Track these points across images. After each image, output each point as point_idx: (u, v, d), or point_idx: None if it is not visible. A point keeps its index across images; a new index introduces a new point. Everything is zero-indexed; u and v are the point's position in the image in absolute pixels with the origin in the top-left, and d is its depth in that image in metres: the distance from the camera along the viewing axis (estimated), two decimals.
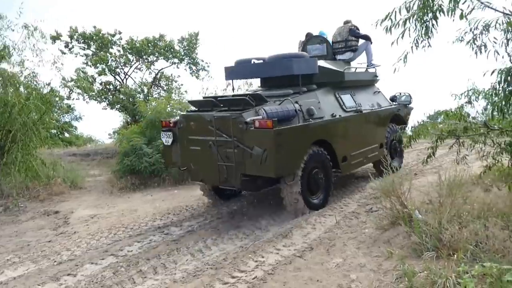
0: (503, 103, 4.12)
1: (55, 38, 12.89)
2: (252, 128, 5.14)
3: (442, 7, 3.91)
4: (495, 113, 4.06)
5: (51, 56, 8.76)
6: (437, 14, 3.95)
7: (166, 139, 6.17)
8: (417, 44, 4.14)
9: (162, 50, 13.49)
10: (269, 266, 3.99)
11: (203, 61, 14.23)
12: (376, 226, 4.56)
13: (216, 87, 11.78)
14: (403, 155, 8.51)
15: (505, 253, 3.25)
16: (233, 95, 6.43)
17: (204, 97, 6.87)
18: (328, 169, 6.05)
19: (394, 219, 4.42)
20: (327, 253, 4.14)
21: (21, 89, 8.33)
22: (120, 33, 13.39)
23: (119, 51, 13.50)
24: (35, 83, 8.24)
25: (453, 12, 3.91)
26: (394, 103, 8.05)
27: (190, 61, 14.01)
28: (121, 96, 13.11)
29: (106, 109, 13.39)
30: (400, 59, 4.23)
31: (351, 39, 7.41)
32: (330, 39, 7.65)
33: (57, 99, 8.70)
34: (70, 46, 13.14)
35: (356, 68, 7.40)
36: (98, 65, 13.04)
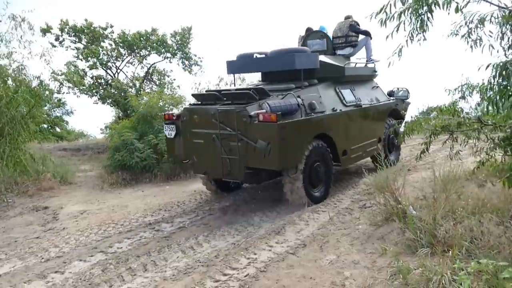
0: (498, 97, 4.09)
1: (45, 31, 12.65)
2: (256, 121, 5.22)
3: (438, 0, 3.85)
4: (490, 107, 3.99)
5: (40, 49, 8.53)
6: (432, 7, 3.88)
7: (169, 132, 6.25)
8: (412, 38, 4.07)
9: (154, 44, 13.30)
10: (261, 263, 3.92)
11: (195, 55, 14.08)
12: (370, 222, 4.52)
13: (208, 82, 11.58)
14: (400, 149, 8.62)
15: (501, 249, 3.21)
16: (236, 89, 6.50)
17: (206, 91, 6.97)
18: (329, 162, 6.16)
19: (388, 215, 4.37)
20: (321, 250, 4.08)
21: (9, 82, 8.15)
22: (111, 26, 13.18)
23: (110, 45, 13.30)
24: (23, 76, 8.05)
25: (449, 5, 3.84)
26: (391, 98, 8.14)
27: (182, 56, 13.84)
28: (113, 91, 12.93)
29: (97, 103, 13.20)
30: (395, 53, 4.17)
31: (351, 35, 7.48)
32: (330, 34, 7.68)
33: (46, 92, 8.52)
34: (61, 39, 12.91)
35: (356, 63, 7.47)
36: (89, 58, 12.83)
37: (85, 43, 13.01)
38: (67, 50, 13.03)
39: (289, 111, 5.40)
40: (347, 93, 6.89)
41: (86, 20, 12.81)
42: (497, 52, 4.15)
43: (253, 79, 11.28)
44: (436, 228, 3.59)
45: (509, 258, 2.98)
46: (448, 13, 3.99)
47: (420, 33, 3.96)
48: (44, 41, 12.52)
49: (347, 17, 7.63)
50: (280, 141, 5.13)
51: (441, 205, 3.89)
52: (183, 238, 5.02)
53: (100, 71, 13.47)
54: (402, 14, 3.97)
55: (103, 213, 6.60)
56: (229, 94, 5.85)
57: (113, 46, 13.22)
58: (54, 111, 18.73)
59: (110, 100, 12.96)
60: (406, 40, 4.05)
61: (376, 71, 8.03)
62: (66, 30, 12.77)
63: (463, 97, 5.31)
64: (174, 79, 14.44)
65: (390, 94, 8.23)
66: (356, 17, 7.63)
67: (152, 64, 14.18)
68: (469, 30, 4.06)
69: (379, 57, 7.77)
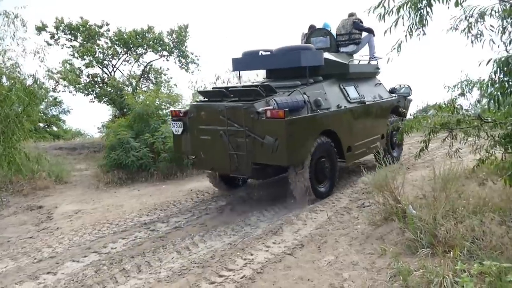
0: (499, 94, 4.00)
1: (41, 29, 12.52)
2: (264, 118, 5.29)
3: None
4: (491, 104, 3.90)
5: (33, 46, 8.36)
6: (432, 1, 3.80)
7: (176, 128, 6.29)
8: (411, 33, 3.98)
9: (151, 42, 13.18)
10: (258, 264, 3.83)
11: (192, 54, 13.96)
12: (369, 221, 4.43)
13: (203, 80, 11.46)
14: (403, 145, 8.71)
15: (503, 249, 3.13)
16: (243, 86, 6.51)
17: (213, 88, 7.07)
18: (334, 158, 6.23)
19: (387, 215, 4.29)
20: (319, 251, 3.99)
21: (4, 80, 8.03)
22: (107, 24, 13.04)
23: (106, 43, 13.17)
24: (17, 73, 7.93)
25: None
26: (393, 95, 8.19)
27: (179, 54, 13.72)
28: (109, 89, 12.81)
29: (93, 101, 13.07)
30: (394, 49, 4.08)
31: (355, 32, 7.54)
32: (333, 30, 7.75)
33: (41, 91, 8.38)
34: (56, 37, 12.78)
35: (360, 60, 7.52)
36: (85, 57, 12.71)
37: (80, 41, 12.89)
38: (62, 48, 12.91)
39: (296, 108, 5.46)
40: (351, 90, 6.96)
41: (81, 18, 12.69)
42: (498, 47, 4.07)
43: (250, 77, 11.24)
44: (436, 228, 3.50)
45: None
46: (448, 7, 3.91)
47: (419, 28, 3.87)
48: (39, 39, 12.40)
49: (351, 15, 7.67)
50: (288, 137, 5.19)
51: (442, 204, 3.80)
52: (179, 238, 4.92)
53: (96, 70, 13.35)
54: (401, 9, 3.88)
55: (98, 212, 6.50)
56: (236, 91, 5.93)
57: (109, 44, 13.10)
58: (50, 109, 18.63)
59: (107, 98, 12.84)
60: (405, 35, 3.97)
61: (379, 68, 8.07)
62: (61, 28, 12.64)
63: (462, 94, 5.23)
64: (171, 78, 14.34)
65: (392, 91, 8.26)
66: (356, 14, 7.66)
67: (149, 63, 14.06)
68: (469, 25, 3.97)
69: (380, 53, 7.82)
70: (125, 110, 12.04)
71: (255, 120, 5.35)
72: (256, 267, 3.77)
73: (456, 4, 3.81)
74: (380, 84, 8.10)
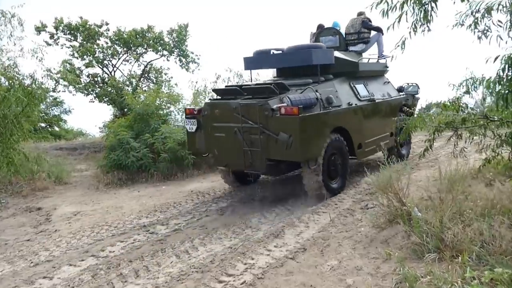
0: (508, 92, 3.87)
1: (40, 29, 12.44)
2: (278, 114, 5.36)
3: None
4: (500, 102, 3.77)
5: (31, 46, 8.27)
6: None
7: (190, 126, 6.40)
8: (415, 29, 3.86)
9: (151, 41, 13.09)
10: (259, 269, 3.71)
11: (192, 53, 13.85)
12: (373, 224, 4.30)
13: (205, 79, 11.34)
14: (411, 143, 8.77)
15: None
16: (256, 84, 6.67)
17: (226, 86, 7.18)
18: (345, 155, 6.32)
19: (391, 217, 4.15)
20: (321, 255, 3.87)
21: (2, 80, 7.93)
22: (107, 24, 12.96)
23: (106, 42, 13.09)
24: (15, 73, 7.83)
25: None
26: (401, 93, 8.25)
27: (179, 53, 13.62)
28: (109, 89, 12.73)
29: (93, 101, 13.00)
30: (398, 46, 3.95)
31: (364, 31, 7.61)
32: (342, 30, 7.85)
33: (39, 91, 8.28)
34: (56, 37, 12.69)
35: (369, 59, 7.62)
36: (85, 57, 12.63)
37: (80, 41, 12.80)
38: (62, 48, 12.83)
39: (309, 105, 5.53)
40: (361, 88, 7.02)
41: (81, 17, 12.61)
42: (506, 43, 3.93)
43: (246, 76, 11.14)
44: (443, 232, 3.37)
45: None
46: (454, 2, 3.78)
47: (424, 24, 3.74)
48: (38, 39, 12.30)
49: (360, 14, 7.72)
50: (302, 133, 5.27)
51: (448, 206, 3.67)
52: (178, 241, 4.81)
53: (97, 69, 13.28)
54: (405, 4, 3.75)
55: (97, 214, 6.40)
56: (249, 89, 5.99)
57: (109, 44, 13.01)
58: (52, 109, 18.55)
59: (107, 98, 12.76)
60: (409, 32, 3.84)
61: (387, 67, 8.15)
62: (61, 28, 12.56)
63: (467, 92, 5.10)
64: (171, 77, 14.26)
65: (400, 89, 8.31)
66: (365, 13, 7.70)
67: (149, 62, 13.98)
68: (476, 20, 3.83)
69: (387, 51, 7.83)
70: (125, 110, 11.95)
71: (269, 117, 5.43)
72: (257, 272, 3.65)
73: None
74: (389, 82, 8.16)
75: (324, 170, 5.80)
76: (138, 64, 13.84)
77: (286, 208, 5.88)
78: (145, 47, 13.19)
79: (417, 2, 3.72)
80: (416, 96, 8.59)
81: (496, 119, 4.66)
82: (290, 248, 4.17)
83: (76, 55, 12.68)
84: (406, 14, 3.71)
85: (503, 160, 5.02)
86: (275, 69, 7.62)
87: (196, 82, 11.20)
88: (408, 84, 8.40)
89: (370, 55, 7.81)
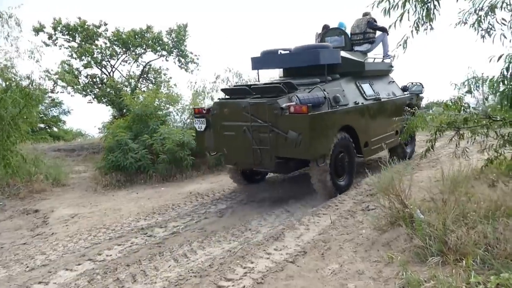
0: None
1: (38, 29, 12.38)
2: (287, 113, 5.44)
3: None
4: (504, 102, 3.69)
5: (28, 46, 8.19)
6: None
7: (199, 125, 6.47)
8: (417, 28, 3.79)
9: (149, 42, 13.02)
10: (258, 273, 3.62)
11: (192, 53, 13.78)
12: (374, 226, 4.21)
13: (204, 80, 11.25)
14: (415, 141, 8.80)
15: None
16: (264, 83, 6.74)
17: (235, 85, 7.46)
18: (352, 153, 6.42)
19: (393, 219, 4.07)
20: (322, 258, 3.79)
21: None
22: (105, 24, 12.90)
23: (105, 43, 13.01)
24: (12, 74, 7.76)
25: None
26: (405, 92, 8.34)
27: (178, 54, 13.55)
28: (108, 90, 12.65)
29: (91, 102, 12.93)
30: (400, 45, 3.89)
31: (369, 31, 7.72)
32: (348, 30, 7.95)
33: (37, 92, 8.20)
34: (54, 38, 12.63)
35: (375, 58, 7.72)
36: (83, 57, 12.56)
37: (79, 42, 12.72)
38: (60, 49, 12.76)
39: (317, 104, 5.62)
40: (366, 87, 7.12)
41: (79, 18, 12.54)
42: (510, 42, 3.86)
43: (250, 76, 11.06)
44: (446, 234, 3.29)
45: None
46: (457, 0, 3.71)
47: (426, 23, 3.68)
48: (37, 40, 12.24)
49: (365, 14, 7.82)
50: (311, 131, 5.35)
51: (451, 208, 3.59)
52: (176, 245, 4.73)
53: (95, 70, 13.20)
54: (407, 2, 3.69)
55: (95, 216, 6.32)
56: (258, 88, 6.06)
57: (108, 44, 12.94)
58: (51, 110, 18.47)
59: (106, 99, 12.69)
60: (411, 31, 3.78)
61: (392, 66, 8.25)
62: (59, 28, 12.49)
63: (469, 92, 5.04)
64: (171, 78, 14.19)
65: (404, 89, 8.40)
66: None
67: (148, 62, 13.91)
68: (479, 18, 3.77)
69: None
70: (124, 110, 11.87)
71: (278, 116, 5.50)
72: (257, 276, 3.57)
73: None
74: (393, 82, 8.26)
75: (331, 168, 5.87)
76: (137, 65, 13.80)
77: (285, 210, 5.80)
78: (144, 47, 13.13)
79: (419, 0, 3.65)
80: (420, 95, 8.67)
81: (498, 118, 4.58)
82: (290, 251, 4.10)
83: (74, 55, 12.61)
84: (408, 13, 3.66)
85: (506, 160, 4.95)
86: (281, 69, 7.69)
87: (195, 83, 11.10)
88: (412, 83, 8.49)
89: (375, 55, 7.90)
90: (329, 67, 6.47)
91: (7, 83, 7.86)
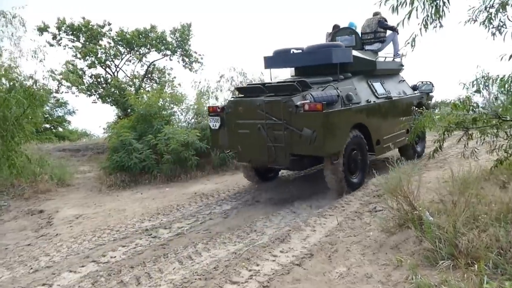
0: None
1: (42, 29, 12.37)
2: (302, 111, 5.51)
3: None
4: None
5: (33, 46, 8.17)
6: None
7: (214, 123, 6.57)
8: (426, 26, 3.71)
9: (153, 41, 12.98)
10: (264, 276, 3.56)
11: (196, 53, 13.73)
12: (382, 228, 4.14)
13: (207, 80, 11.18)
14: (425, 139, 8.81)
15: None
16: (278, 82, 6.88)
17: (248, 84, 7.66)
18: (365, 151, 6.48)
19: (401, 221, 4.00)
20: (329, 261, 3.72)
21: (3, 80, 7.84)
22: (109, 24, 12.89)
23: (109, 43, 12.99)
24: (16, 75, 7.73)
25: None
26: (416, 91, 8.36)
27: (183, 53, 13.51)
28: (112, 89, 12.63)
29: (96, 102, 12.91)
30: (408, 43, 3.81)
31: (380, 31, 7.79)
32: (358, 30, 8.02)
33: (41, 92, 8.17)
34: (58, 38, 12.62)
35: (386, 57, 7.78)
36: (87, 57, 12.54)
37: (83, 42, 12.71)
38: (64, 49, 12.75)
39: (330, 102, 5.69)
40: (378, 86, 7.18)
41: (83, 18, 12.52)
42: None
43: (255, 76, 11.02)
44: (457, 237, 3.21)
45: None
46: None
47: (435, 20, 3.60)
48: (41, 40, 12.24)
49: (376, 14, 7.89)
50: (325, 128, 5.43)
51: (461, 210, 3.51)
52: (181, 246, 4.67)
53: (99, 70, 13.19)
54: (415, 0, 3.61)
55: (99, 217, 6.29)
56: (272, 87, 6.15)
57: (112, 44, 12.91)
58: (56, 111, 18.50)
59: (110, 99, 12.66)
60: (420, 28, 3.70)
61: (402, 65, 8.29)
62: (63, 28, 12.48)
63: (478, 91, 4.96)
64: (175, 77, 14.14)
65: (414, 88, 8.42)
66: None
67: (152, 62, 13.87)
68: (489, 16, 3.69)
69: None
70: (128, 110, 11.85)
71: (293, 114, 5.56)
72: (263, 279, 3.51)
73: None
74: (404, 80, 8.29)
75: (345, 165, 5.94)
76: (141, 65, 13.75)
77: (291, 210, 5.74)
78: (148, 47, 13.09)
79: None
80: (430, 94, 8.69)
81: (509, 118, 4.50)
82: (296, 253, 4.03)
83: (78, 56, 12.60)
84: (417, 10, 3.57)
85: None
86: (292, 69, 7.74)
87: (199, 82, 11.05)
88: (422, 82, 8.51)
89: (385, 54, 7.95)
90: (340, 66, 6.53)
91: (11, 83, 7.84)
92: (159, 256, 4.44)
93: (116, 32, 12.79)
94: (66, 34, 12.61)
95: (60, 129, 18.85)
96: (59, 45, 12.65)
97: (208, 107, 6.96)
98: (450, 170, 4.34)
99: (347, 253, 3.84)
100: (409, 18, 3.66)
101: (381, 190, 5.20)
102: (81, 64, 12.81)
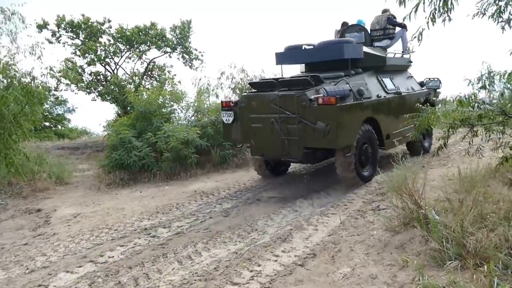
0: None
1: (42, 26, 12.28)
2: (315, 104, 5.60)
3: None
4: None
5: (31, 43, 8.08)
6: None
7: (227, 118, 6.65)
8: (433, 19, 3.60)
9: (153, 38, 12.88)
10: (266, 277, 3.46)
11: (196, 50, 13.63)
12: (386, 227, 4.04)
13: (208, 77, 11.08)
14: (432, 135, 8.85)
15: None
16: (291, 77, 6.97)
17: (261, 79, 7.75)
18: (375, 145, 6.58)
19: (406, 220, 3.89)
20: (332, 261, 3.62)
21: (0, 77, 7.74)
22: (109, 21, 12.80)
23: (109, 40, 12.90)
24: (13, 72, 7.63)
25: None
26: (423, 87, 8.45)
27: (183, 50, 13.41)
28: (112, 87, 12.54)
29: (95, 100, 12.83)
30: (415, 37, 3.70)
31: (389, 27, 7.90)
32: (367, 26, 8.13)
33: (39, 89, 8.07)
34: (58, 35, 12.52)
35: (395, 54, 7.92)
36: (87, 55, 12.44)
37: (82, 39, 12.61)
38: (64, 46, 12.66)
39: (343, 96, 5.80)
40: (387, 82, 7.30)
41: (83, 15, 12.43)
42: None
43: (256, 73, 10.93)
44: (465, 237, 3.11)
45: None
46: None
47: (443, 13, 3.48)
48: (40, 37, 12.16)
49: (385, 11, 7.99)
50: (338, 122, 5.54)
51: (469, 209, 3.41)
52: (181, 246, 4.56)
53: (99, 67, 13.10)
54: None
55: (98, 216, 6.19)
56: (285, 81, 6.23)
57: (112, 41, 12.82)
58: (55, 109, 18.42)
59: (110, 97, 12.57)
60: (427, 22, 3.58)
61: (411, 62, 8.41)
62: (62, 26, 12.39)
63: (484, 87, 4.85)
64: (175, 75, 14.06)
65: (421, 84, 8.49)
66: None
67: (152, 59, 13.77)
68: (499, 9, 3.58)
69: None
70: (128, 108, 11.76)
71: (306, 107, 5.65)
72: (264, 280, 3.41)
73: None
74: (412, 77, 8.40)
75: (356, 158, 6.06)
76: (141, 62, 13.68)
77: (292, 209, 5.63)
78: (148, 44, 12.99)
79: None
80: (438, 90, 8.72)
81: None
82: (298, 253, 3.93)
83: (78, 53, 12.51)
84: (424, 3, 3.46)
85: None
86: (302, 65, 7.82)
87: (200, 80, 10.95)
88: (429, 79, 8.57)
89: (394, 50, 8.05)
90: (351, 62, 6.63)
91: (9, 80, 7.75)
92: (158, 256, 4.33)
93: (115, 29, 12.70)
94: (66, 31, 12.53)
95: (60, 127, 18.80)
96: (59, 42, 12.58)
97: (222, 101, 7.04)
98: (455, 167, 4.23)
99: (350, 253, 3.74)
100: (416, 11, 3.55)
101: (384, 188, 5.10)
102: (80, 61, 12.74)
